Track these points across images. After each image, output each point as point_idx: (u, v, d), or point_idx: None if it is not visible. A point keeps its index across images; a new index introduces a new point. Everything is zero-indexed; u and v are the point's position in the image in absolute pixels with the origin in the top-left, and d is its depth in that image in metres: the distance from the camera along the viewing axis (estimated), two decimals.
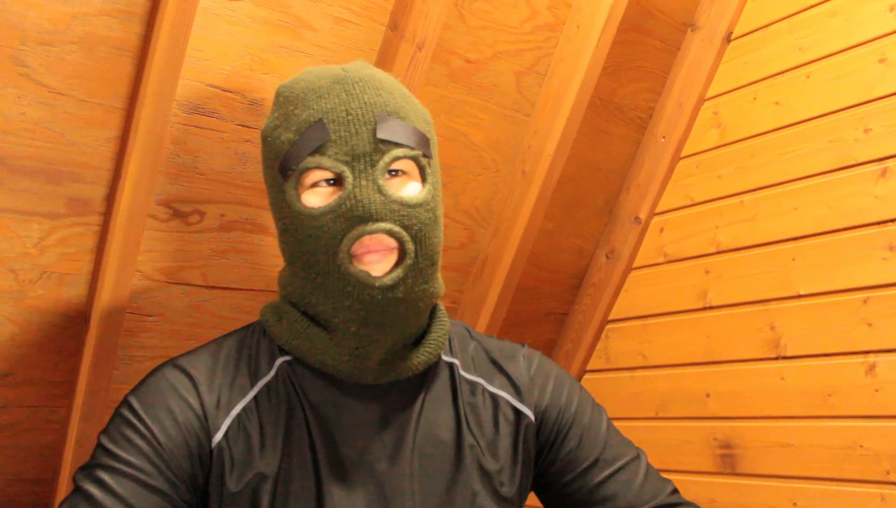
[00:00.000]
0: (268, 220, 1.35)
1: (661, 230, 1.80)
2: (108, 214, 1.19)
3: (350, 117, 0.90)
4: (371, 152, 0.89)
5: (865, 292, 1.40)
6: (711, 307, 1.66)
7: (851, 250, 1.43)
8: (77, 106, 1.12)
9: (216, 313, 1.37)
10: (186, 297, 1.33)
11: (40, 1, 1.05)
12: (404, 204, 0.90)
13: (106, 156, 1.17)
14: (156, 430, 0.88)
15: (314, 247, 0.90)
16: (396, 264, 0.90)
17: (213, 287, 1.35)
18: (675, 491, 1.05)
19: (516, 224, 1.62)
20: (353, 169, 0.89)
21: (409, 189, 0.93)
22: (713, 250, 1.68)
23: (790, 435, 1.48)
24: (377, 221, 0.88)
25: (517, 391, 1.04)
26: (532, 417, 1.03)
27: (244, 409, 0.92)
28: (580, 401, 1.06)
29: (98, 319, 1.22)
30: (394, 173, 0.92)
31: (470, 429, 0.99)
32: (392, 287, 0.89)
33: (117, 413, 0.91)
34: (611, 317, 1.88)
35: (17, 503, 1.32)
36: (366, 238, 0.89)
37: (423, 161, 0.94)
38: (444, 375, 1.01)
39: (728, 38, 1.73)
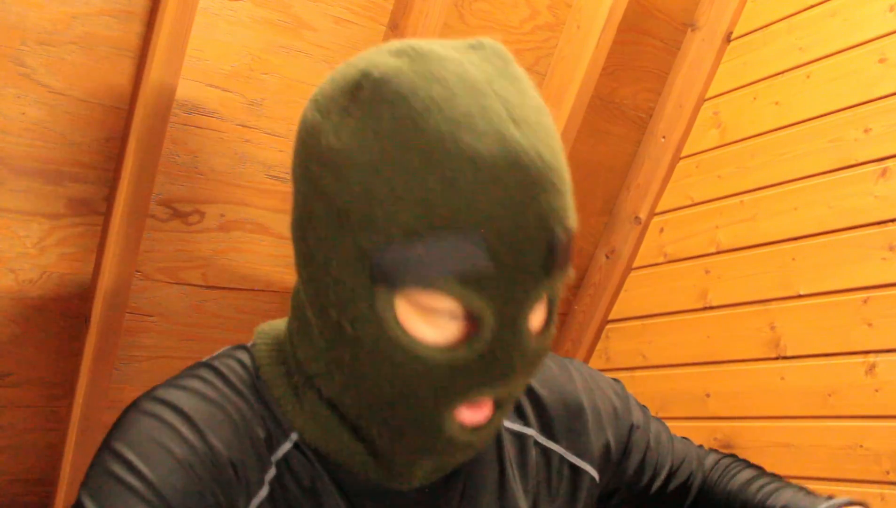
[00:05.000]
0: (268, 220, 1.35)
1: (661, 230, 1.80)
2: (108, 214, 1.19)
3: (521, 236, 0.57)
4: (530, 290, 0.60)
5: (865, 292, 1.40)
6: (711, 307, 1.66)
7: (851, 250, 1.43)
8: (77, 106, 1.12)
9: (216, 314, 1.37)
10: (186, 297, 1.32)
11: (40, 1, 1.05)
12: (539, 354, 0.65)
13: (106, 156, 1.17)
14: (157, 483, 0.63)
15: (406, 390, 0.62)
16: (494, 411, 0.66)
17: (213, 287, 1.35)
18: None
19: None
20: (500, 315, 0.60)
21: (537, 319, 0.65)
22: (713, 250, 1.68)
23: (790, 435, 1.48)
24: (508, 380, 0.63)
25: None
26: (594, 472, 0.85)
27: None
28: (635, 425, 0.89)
29: (98, 319, 1.22)
30: None
31: (518, 485, 0.79)
32: (482, 441, 0.68)
33: (101, 467, 0.65)
34: (611, 317, 1.88)
35: (18, 503, 1.32)
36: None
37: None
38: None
39: (728, 38, 1.73)
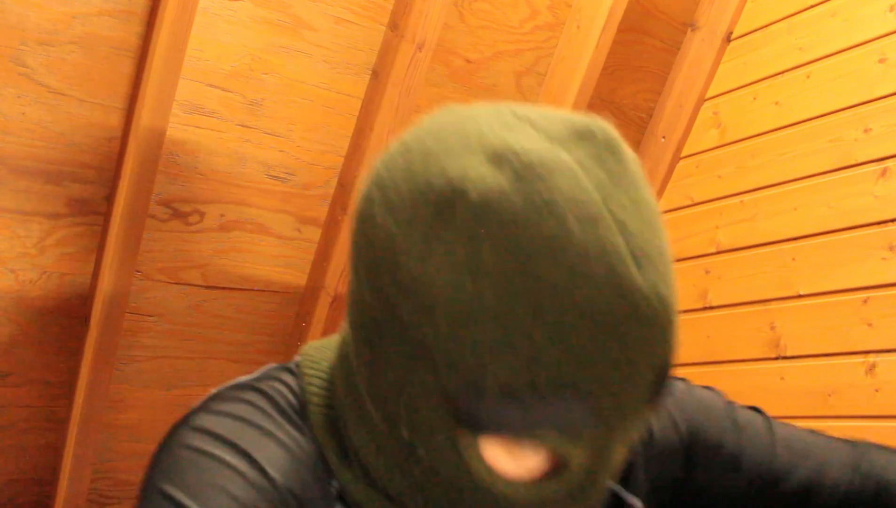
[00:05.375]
0: (268, 220, 1.35)
1: None
2: (108, 214, 1.19)
3: (632, 390, 0.50)
4: (630, 427, 0.53)
5: (865, 292, 1.40)
6: (711, 307, 1.66)
7: (851, 250, 1.43)
8: (77, 106, 1.12)
9: (216, 314, 1.37)
10: (186, 297, 1.32)
11: (40, 1, 1.05)
12: (621, 462, 0.58)
13: (106, 156, 1.17)
14: None
15: None
16: None
17: (213, 287, 1.35)
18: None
19: None
20: (593, 452, 0.53)
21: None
22: (713, 250, 1.68)
23: None
24: (590, 501, 0.57)
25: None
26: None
27: None
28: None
29: (98, 319, 1.22)
30: None
31: None
32: None
33: None
34: None
35: (17, 503, 1.32)
36: None
37: None
38: None
39: (728, 38, 1.73)
